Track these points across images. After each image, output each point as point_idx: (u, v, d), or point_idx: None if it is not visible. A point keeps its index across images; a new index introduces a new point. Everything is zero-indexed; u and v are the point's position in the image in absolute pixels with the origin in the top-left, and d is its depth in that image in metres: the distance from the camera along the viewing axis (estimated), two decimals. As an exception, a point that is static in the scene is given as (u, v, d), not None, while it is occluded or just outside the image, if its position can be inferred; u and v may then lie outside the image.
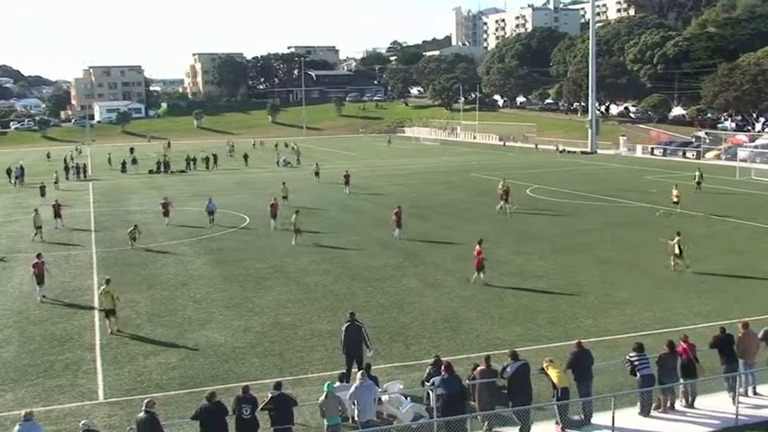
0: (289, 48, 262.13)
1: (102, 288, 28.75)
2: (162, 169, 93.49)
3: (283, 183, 59.93)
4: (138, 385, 22.78)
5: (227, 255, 41.36)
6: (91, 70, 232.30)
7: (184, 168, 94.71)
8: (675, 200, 51.44)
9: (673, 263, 34.87)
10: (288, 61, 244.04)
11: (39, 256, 33.87)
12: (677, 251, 34.75)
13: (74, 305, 31.97)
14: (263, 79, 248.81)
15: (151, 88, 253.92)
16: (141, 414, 16.77)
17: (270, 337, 26.97)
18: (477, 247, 33.52)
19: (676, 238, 34.99)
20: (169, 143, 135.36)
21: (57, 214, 50.98)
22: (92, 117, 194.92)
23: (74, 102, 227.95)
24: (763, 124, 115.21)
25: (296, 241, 42.83)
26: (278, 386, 17.94)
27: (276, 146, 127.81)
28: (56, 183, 74.27)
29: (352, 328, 22.29)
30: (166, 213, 51.85)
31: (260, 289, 33.67)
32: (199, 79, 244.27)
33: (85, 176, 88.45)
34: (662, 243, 36.69)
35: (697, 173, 63.77)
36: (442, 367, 18.72)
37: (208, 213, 50.74)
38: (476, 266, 33.40)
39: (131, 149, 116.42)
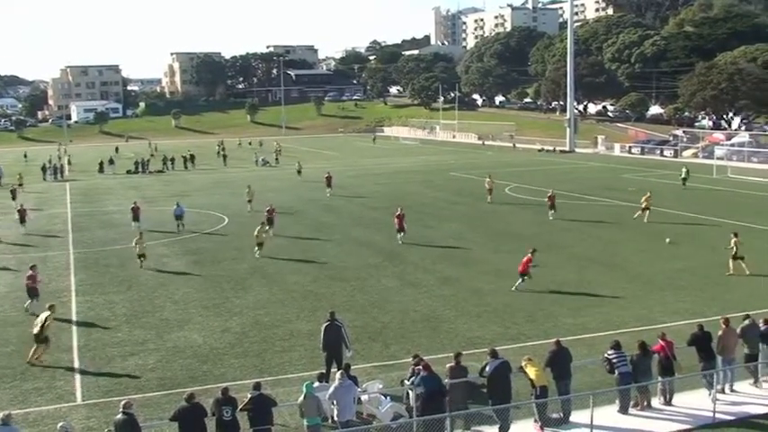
0: (267, 47, 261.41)
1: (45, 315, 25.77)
2: (140, 169, 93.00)
3: (248, 186, 58.06)
4: (116, 387, 22.64)
5: (206, 255, 41.18)
6: (68, 70, 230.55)
7: (162, 168, 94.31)
8: (644, 205, 48.33)
9: (732, 265, 33.74)
10: (267, 61, 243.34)
11: (33, 267, 32.15)
12: (734, 253, 33.42)
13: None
14: (241, 79, 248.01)
15: (129, 88, 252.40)
16: (119, 416, 16.67)
17: (249, 337, 26.87)
18: (529, 255, 32.61)
19: (733, 240, 33.87)
20: (150, 143, 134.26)
21: (22, 219, 49.99)
22: (69, 117, 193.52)
23: (51, 102, 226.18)
24: (740, 123, 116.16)
25: (259, 254, 40.32)
26: (257, 387, 17.89)
27: (261, 144, 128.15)
28: (20, 185, 71.72)
29: (332, 327, 22.26)
30: (136, 218, 49.13)
31: (239, 289, 33.54)
32: (177, 78, 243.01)
33: (62, 177, 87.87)
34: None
35: (684, 170, 64.91)
36: (421, 366, 18.71)
37: (176, 218, 48.49)
38: (520, 272, 32.35)
39: (116, 149, 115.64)
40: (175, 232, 47.93)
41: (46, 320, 25.37)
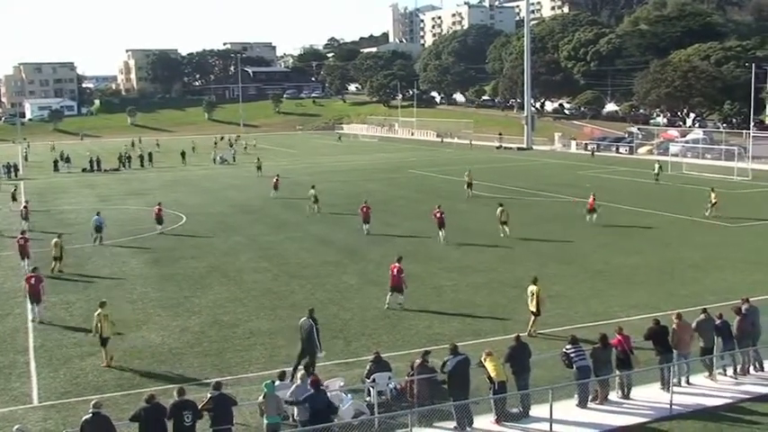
0: (224, 44, 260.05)
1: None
2: (95, 168, 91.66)
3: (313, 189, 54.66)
4: (74, 388, 22.35)
5: (164, 254, 40.80)
6: (21, 67, 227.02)
7: (118, 167, 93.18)
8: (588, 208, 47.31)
9: None
10: (224, 57, 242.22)
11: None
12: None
13: (5, 307, 31.23)
14: (198, 76, 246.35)
15: (84, 85, 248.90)
16: (88, 415, 16.37)
17: (208, 336, 26.68)
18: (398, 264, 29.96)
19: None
20: (133, 142, 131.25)
21: None
22: (23, 115, 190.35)
23: (3, 99, 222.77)
24: (694, 120, 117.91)
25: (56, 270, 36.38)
26: (217, 386, 17.76)
27: (238, 138, 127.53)
28: None
29: (305, 323, 22.22)
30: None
31: (198, 288, 33.27)
32: (132, 76, 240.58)
33: (17, 176, 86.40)
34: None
35: (656, 165, 66.31)
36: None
37: (95, 229, 43.56)
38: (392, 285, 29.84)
39: (132, 143, 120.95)
40: (136, 227, 47.23)
41: (98, 319, 24.09)
